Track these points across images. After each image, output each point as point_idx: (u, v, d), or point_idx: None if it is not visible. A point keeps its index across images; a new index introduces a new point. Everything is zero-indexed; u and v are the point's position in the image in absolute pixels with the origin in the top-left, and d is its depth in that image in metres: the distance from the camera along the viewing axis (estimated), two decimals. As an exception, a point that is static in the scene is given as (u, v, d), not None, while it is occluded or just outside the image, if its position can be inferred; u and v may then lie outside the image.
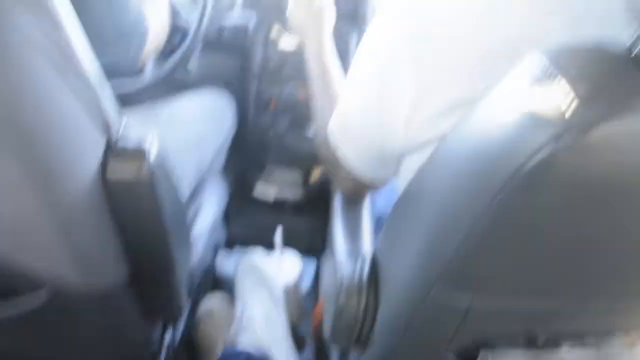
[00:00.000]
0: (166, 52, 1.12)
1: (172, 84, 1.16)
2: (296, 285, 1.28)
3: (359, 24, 1.28)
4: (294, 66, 1.27)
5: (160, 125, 1.08)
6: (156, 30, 0.84)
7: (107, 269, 0.61)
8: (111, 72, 0.75)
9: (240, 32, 1.25)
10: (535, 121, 0.35)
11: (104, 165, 0.54)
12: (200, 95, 1.23)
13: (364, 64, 0.56)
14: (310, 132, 1.33)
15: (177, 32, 1.12)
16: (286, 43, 1.27)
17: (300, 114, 1.30)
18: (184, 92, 1.21)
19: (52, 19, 0.47)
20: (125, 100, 0.70)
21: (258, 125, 1.35)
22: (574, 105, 0.33)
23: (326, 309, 0.64)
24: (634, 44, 0.35)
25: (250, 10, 1.29)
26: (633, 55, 0.35)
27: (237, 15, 1.27)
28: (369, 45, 0.55)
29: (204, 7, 1.08)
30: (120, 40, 0.74)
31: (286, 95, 1.29)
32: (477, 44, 0.47)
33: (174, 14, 1.11)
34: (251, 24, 1.26)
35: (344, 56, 1.24)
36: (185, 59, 1.11)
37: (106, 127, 0.55)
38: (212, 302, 1.22)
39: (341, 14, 1.24)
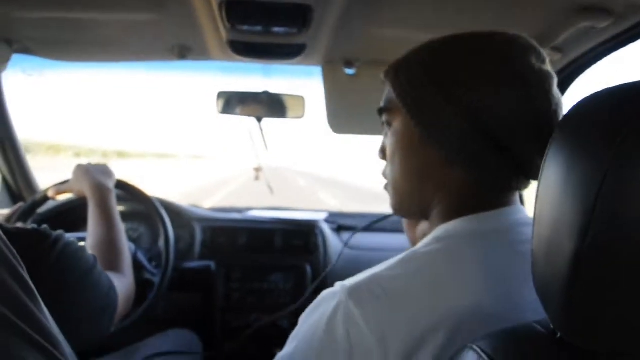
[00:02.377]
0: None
1: (139, 327, 1.18)
2: None
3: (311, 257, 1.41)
4: (256, 297, 1.35)
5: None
6: (125, 297, 0.88)
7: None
8: (83, 344, 0.77)
9: (204, 271, 1.32)
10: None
11: None
12: (167, 337, 1.25)
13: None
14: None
15: (143, 286, 1.17)
16: None
17: (268, 339, 1.32)
18: (150, 334, 1.23)
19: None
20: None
21: (229, 356, 1.36)
22: None
23: None
24: (556, 327, 0.42)
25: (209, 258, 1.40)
26: (558, 336, 0.42)
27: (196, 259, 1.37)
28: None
29: (167, 261, 1.15)
30: (93, 317, 0.77)
31: (252, 323, 1.33)
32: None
33: (140, 269, 1.18)
34: (212, 264, 1.34)
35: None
36: (151, 309, 1.15)
37: None
38: None
39: (295, 249, 1.39)
